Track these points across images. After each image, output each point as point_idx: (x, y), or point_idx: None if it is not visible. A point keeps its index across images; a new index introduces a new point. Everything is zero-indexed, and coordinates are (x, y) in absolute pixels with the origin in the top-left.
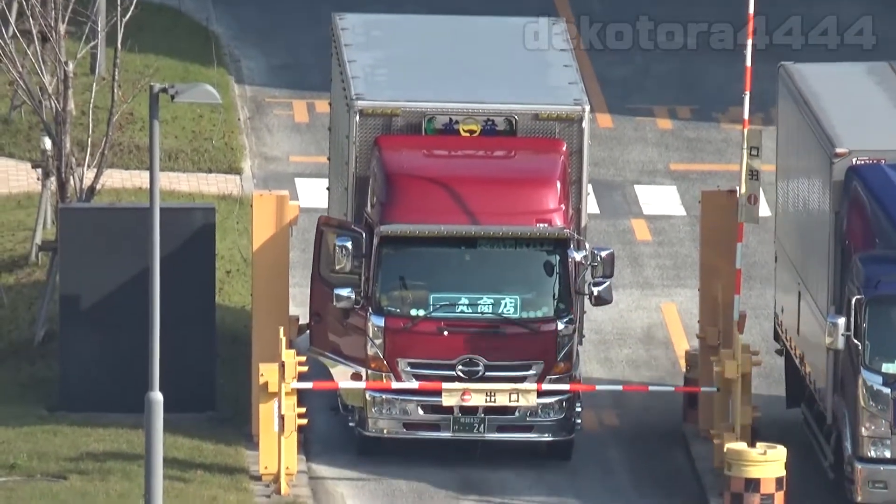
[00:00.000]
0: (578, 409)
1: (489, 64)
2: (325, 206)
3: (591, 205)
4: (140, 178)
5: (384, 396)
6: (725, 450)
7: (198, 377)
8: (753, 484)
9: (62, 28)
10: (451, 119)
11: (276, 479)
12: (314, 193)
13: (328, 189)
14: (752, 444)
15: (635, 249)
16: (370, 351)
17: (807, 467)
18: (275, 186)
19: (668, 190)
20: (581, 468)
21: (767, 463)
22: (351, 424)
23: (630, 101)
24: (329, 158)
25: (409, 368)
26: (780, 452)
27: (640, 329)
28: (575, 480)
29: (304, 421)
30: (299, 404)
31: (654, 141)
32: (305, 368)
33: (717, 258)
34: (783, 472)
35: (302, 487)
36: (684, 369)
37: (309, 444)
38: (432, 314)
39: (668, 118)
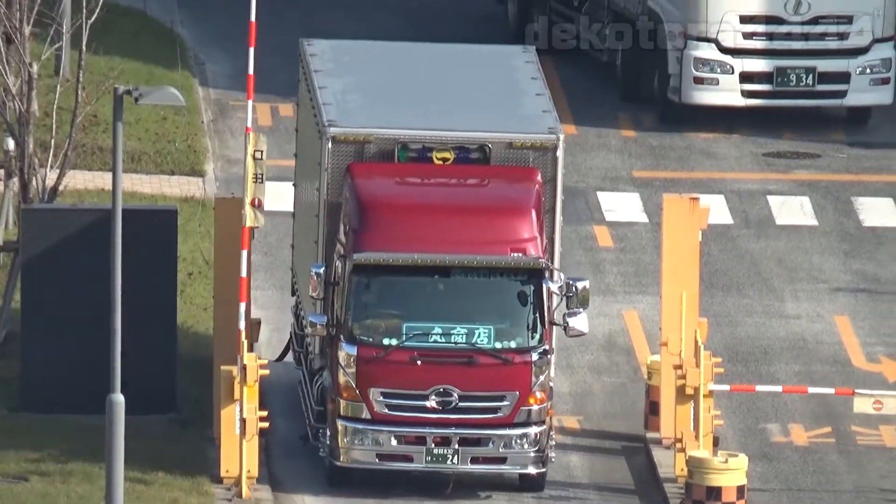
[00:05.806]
0: (552, 443)
1: (462, 92)
2: (288, 208)
3: None
4: (103, 180)
5: (356, 427)
6: (687, 458)
7: (159, 379)
8: (715, 492)
9: (27, 29)
10: (424, 147)
11: (238, 482)
12: (277, 196)
13: (294, 185)
14: (713, 453)
15: (597, 256)
16: (342, 380)
17: (767, 475)
18: (237, 189)
19: (630, 197)
20: None
21: (729, 471)
22: (322, 455)
23: (594, 108)
24: (296, 155)
25: (381, 398)
26: (741, 461)
27: (602, 336)
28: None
29: (266, 424)
30: (261, 408)
31: (617, 148)
32: (267, 372)
33: (679, 265)
34: (745, 481)
35: (263, 491)
36: (646, 376)
37: (270, 447)
38: (405, 343)
39: (631, 126)
